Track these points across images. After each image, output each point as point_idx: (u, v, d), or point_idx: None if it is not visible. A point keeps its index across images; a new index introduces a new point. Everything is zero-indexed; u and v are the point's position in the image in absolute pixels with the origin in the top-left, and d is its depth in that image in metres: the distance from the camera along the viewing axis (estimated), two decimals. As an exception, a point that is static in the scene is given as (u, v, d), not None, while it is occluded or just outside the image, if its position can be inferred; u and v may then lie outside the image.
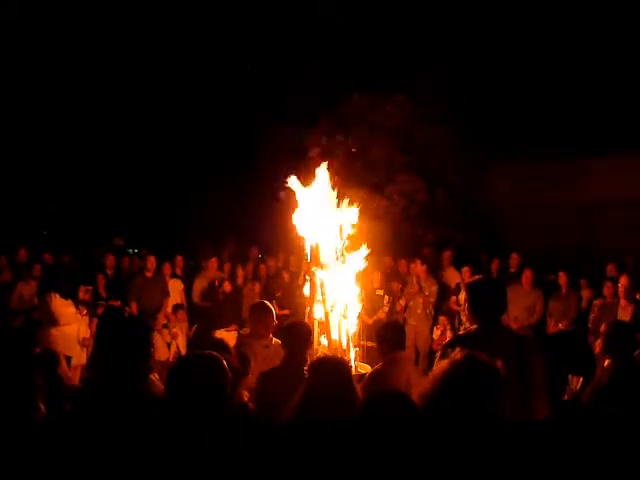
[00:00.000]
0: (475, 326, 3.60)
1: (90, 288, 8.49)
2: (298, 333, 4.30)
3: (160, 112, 12.94)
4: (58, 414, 3.07)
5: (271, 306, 5.20)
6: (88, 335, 7.66)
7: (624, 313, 7.77)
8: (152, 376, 3.47)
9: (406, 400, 2.48)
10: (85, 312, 7.93)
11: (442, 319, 9.02)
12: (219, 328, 8.70)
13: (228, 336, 7.84)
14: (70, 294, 7.77)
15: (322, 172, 5.56)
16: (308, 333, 4.41)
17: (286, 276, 10.02)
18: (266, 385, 4.04)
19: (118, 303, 8.68)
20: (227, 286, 9.48)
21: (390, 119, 11.49)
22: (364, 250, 5.56)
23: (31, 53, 12.02)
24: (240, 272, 10.00)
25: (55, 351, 4.61)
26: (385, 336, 4.58)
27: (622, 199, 11.04)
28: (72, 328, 7.57)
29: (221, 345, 3.88)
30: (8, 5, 11.65)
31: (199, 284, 9.75)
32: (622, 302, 7.85)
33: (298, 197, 5.48)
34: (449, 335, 8.61)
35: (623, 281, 7.92)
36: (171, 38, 12.40)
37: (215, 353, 2.75)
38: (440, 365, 2.66)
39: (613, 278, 8.49)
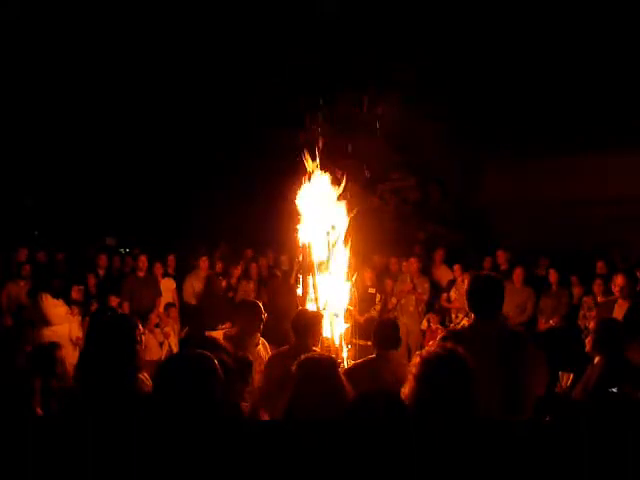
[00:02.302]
0: (473, 321, 3.70)
1: (82, 287, 8.49)
2: (304, 318, 4.60)
3: (152, 111, 12.91)
4: (50, 414, 3.07)
5: (260, 304, 5.18)
6: (81, 335, 7.65)
7: (620, 311, 7.79)
8: (142, 375, 3.46)
9: (393, 398, 2.49)
10: (77, 311, 7.91)
11: (432, 315, 9.06)
12: (213, 327, 8.69)
13: (221, 335, 7.84)
14: (61, 294, 7.76)
15: (313, 170, 5.57)
16: (314, 318, 4.66)
17: (279, 275, 10.03)
18: (274, 367, 4.20)
19: (116, 301, 8.69)
20: (222, 282, 9.49)
21: (383, 117, 11.51)
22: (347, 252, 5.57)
23: (31, 53, 12.00)
24: (235, 271, 10.00)
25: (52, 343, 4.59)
26: (375, 333, 4.60)
27: (615, 196, 11.11)
28: (64, 328, 7.55)
29: (214, 344, 3.86)
30: (8, 5, 11.63)
31: (190, 283, 9.74)
32: (620, 301, 7.86)
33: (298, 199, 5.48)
34: (437, 328, 8.65)
35: (620, 281, 7.91)
36: (168, 38, 12.36)
37: (205, 352, 2.73)
38: (413, 361, 2.71)
39: (603, 275, 8.54)
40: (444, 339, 3.54)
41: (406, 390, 2.65)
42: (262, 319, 5.00)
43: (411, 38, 11.56)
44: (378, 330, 4.62)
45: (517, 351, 3.49)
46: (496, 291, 3.68)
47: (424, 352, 2.74)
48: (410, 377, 2.66)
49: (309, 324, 4.57)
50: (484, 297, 3.65)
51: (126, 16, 12.21)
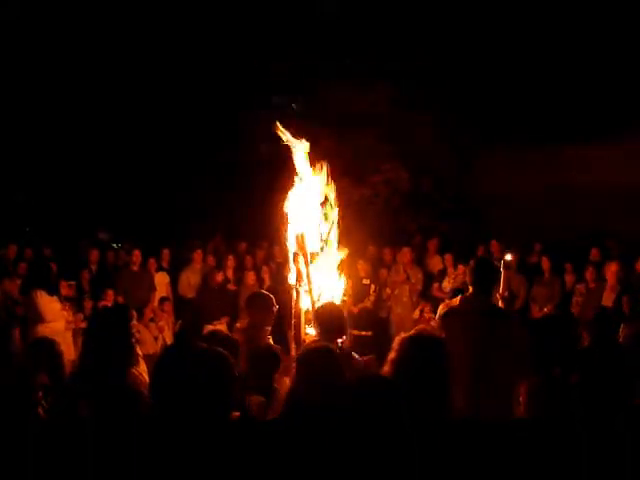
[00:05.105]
0: (469, 294, 4.39)
1: (73, 283, 8.45)
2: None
3: (144, 105, 12.85)
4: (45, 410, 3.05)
5: (272, 297, 5.13)
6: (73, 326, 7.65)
7: (608, 298, 7.85)
8: (134, 370, 3.44)
9: (390, 382, 2.52)
10: (68, 307, 7.84)
11: (425, 305, 9.07)
12: (209, 321, 8.67)
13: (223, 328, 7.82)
14: (55, 290, 7.72)
15: (305, 161, 5.54)
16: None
17: (273, 267, 10.03)
18: None
19: (111, 295, 8.67)
20: (219, 276, 9.48)
21: (375, 106, 11.48)
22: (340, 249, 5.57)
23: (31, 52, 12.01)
24: (229, 263, 9.98)
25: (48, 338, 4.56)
26: (318, 322, 4.56)
27: (611, 185, 11.13)
28: (59, 325, 7.51)
29: (231, 342, 3.75)
30: (8, 5, 11.62)
31: (185, 277, 9.74)
32: (608, 288, 7.93)
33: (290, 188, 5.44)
34: (430, 318, 8.67)
35: (613, 268, 7.98)
36: (165, 38, 12.35)
37: (221, 350, 2.69)
38: (394, 342, 2.87)
39: (595, 262, 8.59)
40: (445, 315, 4.36)
41: (386, 369, 2.77)
42: (274, 312, 4.98)
43: (403, 31, 11.54)
44: (321, 317, 4.54)
45: (499, 323, 4.15)
46: (493, 272, 4.48)
47: (403, 334, 2.89)
48: (390, 357, 2.78)
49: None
50: (483, 274, 4.36)
51: (121, 16, 12.20)
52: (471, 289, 4.41)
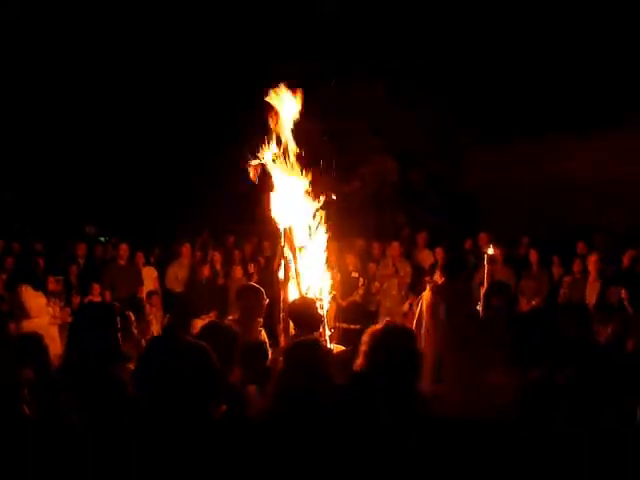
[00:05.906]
0: (443, 281, 5.01)
1: (61, 278, 8.39)
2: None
3: (133, 100, 12.78)
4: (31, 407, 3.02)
5: (262, 290, 5.12)
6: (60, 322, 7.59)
7: (592, 290, 7.92)
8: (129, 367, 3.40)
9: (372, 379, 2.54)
10: (56, 303, 7.79)
11: (414, 298, 9.09)
12: (197, 315, 8.66)
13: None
14: (41, 285, 7.67)
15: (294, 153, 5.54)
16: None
17: (262, 261, 10.01)
18: None
19: (97, 289, 8.63)
20: (206, 270, 9.45)
21: (368, 102, 11.47)
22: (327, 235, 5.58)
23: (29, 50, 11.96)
24: (216, 258, 9.96)
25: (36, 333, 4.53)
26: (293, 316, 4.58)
27: (595, 179, 11.19)
28: (44, 320, 7.47)
29: (231, 334, 3.71)
30: (8, 5, 11.54)
31: (173, 271, 9.71)
32: (591, 279, 8.00)
33: (272, 179, 5.43)
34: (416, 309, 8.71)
35: (593, 259, 8.04)
36: (165, 38, 12.29)
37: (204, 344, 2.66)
38: (364, 336, 2.94)
39: (583, 255, 8.65)
40: (432, 290, 4.93)
41: (358, 361, 2.84)
42: (264, 304, 4.98)
43: (395, 25, 11.54)
44: (293, 312, 4.60)
45: (465, 301, 4.86)
46: (463, 265, 5.05)
47: (373, 327, 2.96)
48: (362, 349, 2.86)
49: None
50: (455, 267, 4.94)
51: (120, 15, 12.14)
52: (443, 279, 4.91)
